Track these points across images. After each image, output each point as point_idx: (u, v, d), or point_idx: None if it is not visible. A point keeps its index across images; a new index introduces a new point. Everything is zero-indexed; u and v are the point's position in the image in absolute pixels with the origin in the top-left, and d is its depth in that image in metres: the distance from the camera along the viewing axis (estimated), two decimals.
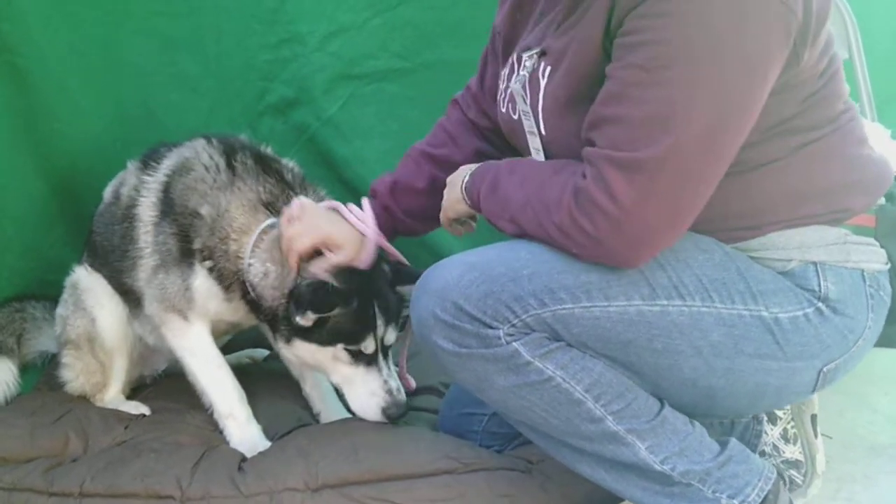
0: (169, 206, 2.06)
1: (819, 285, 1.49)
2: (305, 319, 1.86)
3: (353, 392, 1.98)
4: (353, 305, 1.87)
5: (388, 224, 1.98)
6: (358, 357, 1.94)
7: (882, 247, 1.54)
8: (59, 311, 2.34)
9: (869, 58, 2.59)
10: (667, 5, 1.31)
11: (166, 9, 2.66)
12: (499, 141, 1.91)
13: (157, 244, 2.07)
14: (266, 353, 2.65)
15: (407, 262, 2.02)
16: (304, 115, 2.84)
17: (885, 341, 1.59)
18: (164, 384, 2.43)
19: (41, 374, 2.48)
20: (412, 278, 1.74)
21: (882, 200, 1.57)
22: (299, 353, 1.97)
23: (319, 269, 1.88)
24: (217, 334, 2.20)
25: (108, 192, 2.29)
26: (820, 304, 1.49)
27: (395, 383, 1.97)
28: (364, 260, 1.91)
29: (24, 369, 2.43)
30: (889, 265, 1.54)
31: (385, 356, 1.98)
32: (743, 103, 1.35)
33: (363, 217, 1.92)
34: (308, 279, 1.88)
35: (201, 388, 2.11)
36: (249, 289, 1.99)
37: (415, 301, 1.54)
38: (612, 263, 1.43)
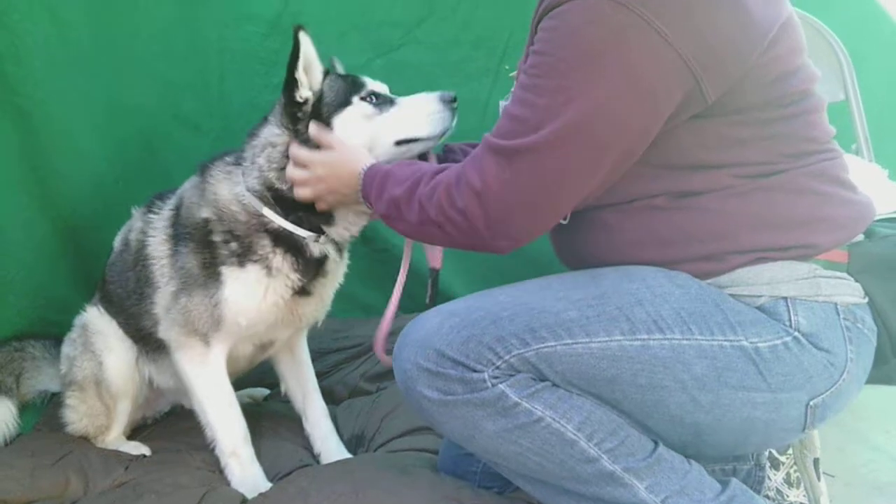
0: (180, 232, 2.07)
1: (790, 319, 1.48)
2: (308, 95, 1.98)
3: (413, 122, 1.98)
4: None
5: None
6: (380, 100, 2.01)
7: (856, 282, 1.53)
8: (66, 350, 2.31)
9: (865, 97, 2.62)
10: (553, 22, 1.43)
11: (170, 51, 2.69)
12: None
13: (175, 271, 2.06)
14: (267, 392, 2.65)
15: None
16: None
17: (882, 379, 1.59)
18: (165, 424, 2.43)
19: (41, 413, 2.47)
20: None
21: (860, 237, 1.56)
22: (348, 133, 1.97)
23: None
24: (234, 368, 2.17)
25: (117, 241, 2.30)
26: (796, 334, 1.48)
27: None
28: None
29: (24, 409, 2.42)
30: (867, 299, 1.53)
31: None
32: (611, 121, 1.41)
33: None
34: None
35: (207, 422, 2.08)
36: (263, 188, 2.01)
37: (397, 354, 1.55)
38: (477, 244, 1.53)
